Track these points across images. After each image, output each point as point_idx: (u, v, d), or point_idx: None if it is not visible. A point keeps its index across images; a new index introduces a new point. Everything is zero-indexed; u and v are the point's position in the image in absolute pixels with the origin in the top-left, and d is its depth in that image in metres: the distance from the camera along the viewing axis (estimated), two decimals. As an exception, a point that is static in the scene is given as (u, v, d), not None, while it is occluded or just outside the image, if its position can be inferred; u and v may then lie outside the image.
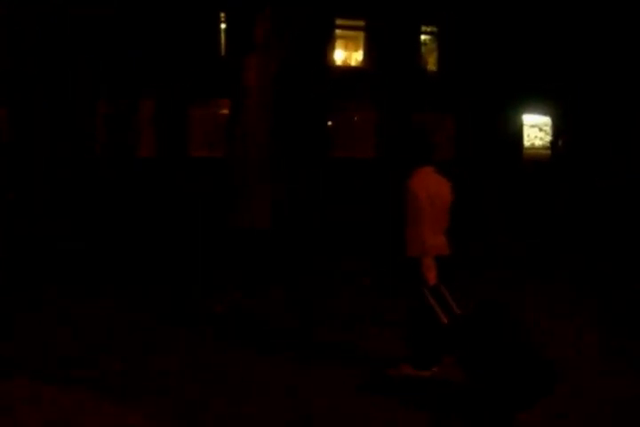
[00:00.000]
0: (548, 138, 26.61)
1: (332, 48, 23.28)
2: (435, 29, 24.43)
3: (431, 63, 24.68)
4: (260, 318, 6.48)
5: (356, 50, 23.88)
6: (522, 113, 25.40)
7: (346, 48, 23.93)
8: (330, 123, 23.07)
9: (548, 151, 26.15)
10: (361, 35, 23.57)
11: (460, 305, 4.62)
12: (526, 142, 26.41)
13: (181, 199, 15.27)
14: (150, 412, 4.33)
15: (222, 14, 21.13)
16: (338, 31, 23.34)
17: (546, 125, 26.63)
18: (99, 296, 7.26)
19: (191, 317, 6.55)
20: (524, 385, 4.20)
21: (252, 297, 7.19)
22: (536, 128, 26.80)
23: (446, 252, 4.77)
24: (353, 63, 23.98)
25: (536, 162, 24.87)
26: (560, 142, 25.75)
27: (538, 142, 26.92)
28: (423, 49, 24.61)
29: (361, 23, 23.35)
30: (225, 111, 21.86)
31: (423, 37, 24.59)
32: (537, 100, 24.20)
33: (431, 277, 4.58)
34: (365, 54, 23.61)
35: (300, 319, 6.44)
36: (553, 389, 4.24)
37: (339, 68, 23.37)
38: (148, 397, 4.57)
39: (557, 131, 25.98)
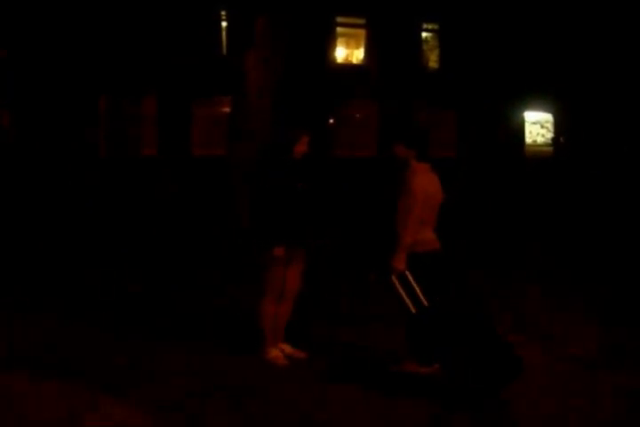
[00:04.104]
0: (550, 135, 26.62)
1: (334, 46, 23.30)
2: (436, 27, 24.44)
3: (433, 61, 24.69)
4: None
5: (358, 48, 23.89)
6: (523, 110, 25.40)
7: (347, 46, 23.95)
8: (331, 121, 23.08)
9: (550, 148, 26.16)
10: (362, 32, 23.59)
11: (431, 299, 4.72)
12: (528, 139, 26.42)
13: (183, 198, 15.30)
14: (148, 409, 4.36)
15: (223, 13, 21.17)
16: (339, 29, 23.37)
17: (547, 122, 26.64)
18: (100, 293, 7.28)
19: (192, 315, 6.56)
20: (487, 372, 4.43)
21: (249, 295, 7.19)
22: (538, 125, 26.82)
23: (437, 246, 4.92)
24: (354, 61, 23.99)
25: (538, 159, 24.86)
26: (562, 139, 25.76)
27: (540, 139, 26.94)
28: (425, 46, 24.61)
29: (362, 21, 23.37)
30: (227, 109, 21.92)
31: (424, 35, 24.60)
32: (538, 97, 24.21)
33: (400, 268, 4.72)
34: (367, 52, 23.62)
35: (300, 316, 6.44)
36: (517, 375, 4.47)
37: (340, 65, 23.38)
38: (147, 393, 4.60)
39: (559, 128, 25.98)
